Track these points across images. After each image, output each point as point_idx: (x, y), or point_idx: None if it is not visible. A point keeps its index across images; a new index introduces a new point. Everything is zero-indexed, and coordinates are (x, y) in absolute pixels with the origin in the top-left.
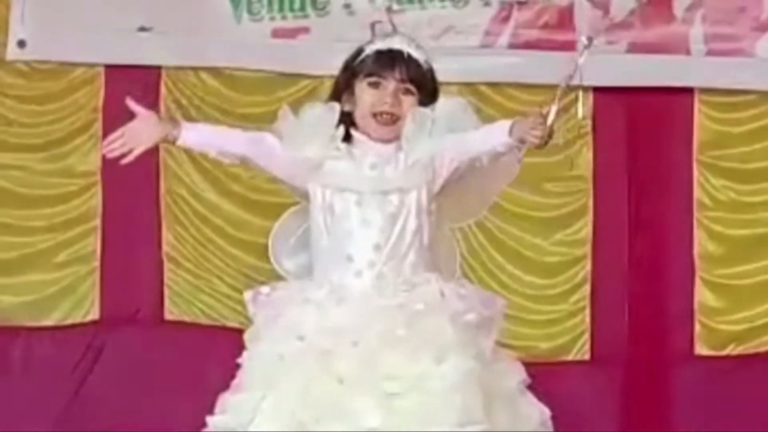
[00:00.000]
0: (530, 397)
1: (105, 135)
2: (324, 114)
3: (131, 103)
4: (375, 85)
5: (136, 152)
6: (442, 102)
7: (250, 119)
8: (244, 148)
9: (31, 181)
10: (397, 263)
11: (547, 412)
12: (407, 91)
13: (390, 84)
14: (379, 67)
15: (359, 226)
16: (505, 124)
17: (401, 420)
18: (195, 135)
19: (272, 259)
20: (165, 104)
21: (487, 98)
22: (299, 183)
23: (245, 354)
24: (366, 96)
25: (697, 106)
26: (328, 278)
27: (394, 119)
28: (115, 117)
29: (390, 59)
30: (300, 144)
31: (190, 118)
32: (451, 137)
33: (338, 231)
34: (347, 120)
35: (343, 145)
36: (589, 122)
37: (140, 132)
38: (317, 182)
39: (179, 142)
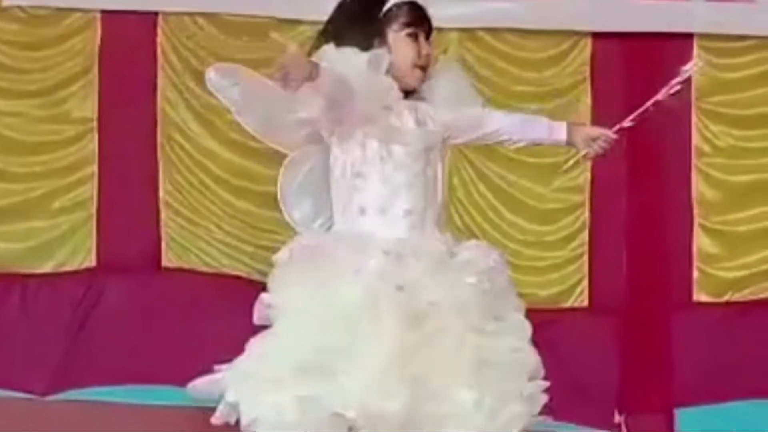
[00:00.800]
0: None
1: (101, 81)
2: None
3: None
4: (413, 36)
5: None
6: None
7: (248, 65)
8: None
9: (27, 128)
10: (427, 218)
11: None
12: (428, 39)
13: (422, 35)
14: (416, 18)
15: (398, 179)
16: (552, 123)
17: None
18: None
19: (283, 209)
20: (162, 50)
21: (487, 44)
22: (347, 128)
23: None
24: (406, 48)
25: (696, 51)
26: (360, 229)
27: (426, 69)
28: (112, 63)
29: (422, 12)
30: (376, 93)
31: (187, 64)
32: (495, 116)
33: (378, 183)
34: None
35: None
36: (588, 68)
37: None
38: (370, 133)
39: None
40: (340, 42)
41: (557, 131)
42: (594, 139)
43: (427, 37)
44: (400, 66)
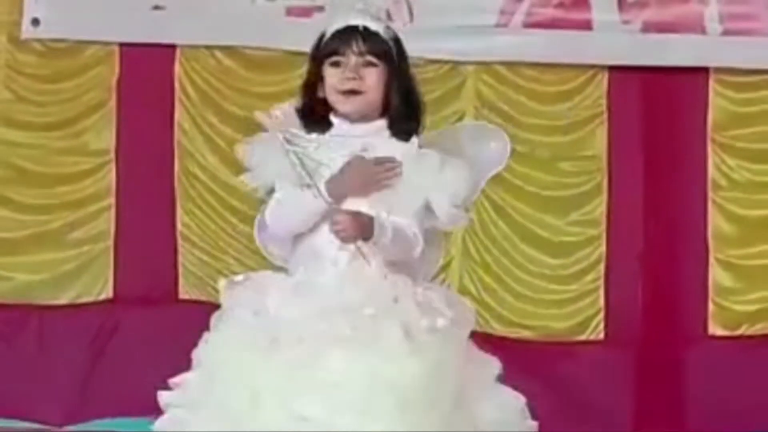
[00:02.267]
0: (506, 388)
1: (119, 113)
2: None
3: None
4: (336, 64)
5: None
6: (448, 174)
7: (264, 98)
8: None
9: (45, 160)
10: (360, 263)
11: (522, 399)
12: (369, 64)
13: (350, 60)
14: (337, 45)
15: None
16: None
17: (339, 414)
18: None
19: (258, 241)
20: (179, 82)
21: (503, 78)
22: None
23: (206, 335)
24: (330, 77)
25: (711, 85)
26: (298, 270)
27: (357, 94)
28: (130, 95)
29: (347, 36)
30: (286, 178)
31: (204, 97)
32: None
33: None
34: (325, 108)
35: (315, 136)
36: (605, 101)
37: None
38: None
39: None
40: (310, 88)
41: None
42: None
43: (375, 59)
44: (330, 97)
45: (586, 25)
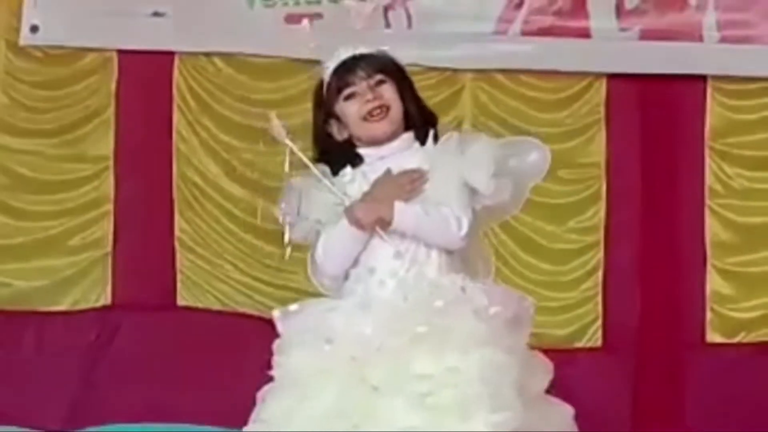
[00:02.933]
0: (554, 399)
1: (118, 120)
2: (307, 182)
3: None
4: (351, 96)
5: None
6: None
7: (263, 105)
8: None
9: (44, 166)
10: (419, 268)
11: (571, 411)
12: (380, 82)
13: (362, 85)
14: (344, 79)
15: (379, 238)
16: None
17: (437, 418)
18: None
19: (312, 276)
20: (178, 89)
21: (501, 85)
22: None
23: (275, 364)
24: (349, 110)
25: (709, 93)
26: (354, 291)
27: (384, 110)
28: (128, 102)
29: (347, 67)
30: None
31: (203, 104)
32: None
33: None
34: (349, 147)
35: (349, 170)
36: (603, 109)
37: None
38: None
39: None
40: (322, 135)
41: None
42: None
43: (384, 75)
44: (354, 130)
45: (585, 33)
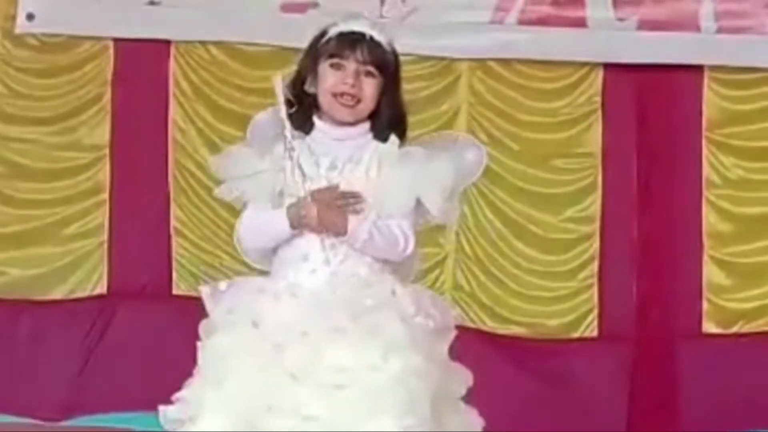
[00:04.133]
0: (469, 408)
1: (114, 108)
2: (245, 150)
3: None
4: (337, 66)
5: None
6: (435, 166)
7: (259, 93)
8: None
9: (40, 155)
10: (352, 263)
11: (482, 422)
12: (369, 74)
13: (351, 65)
14: (341, 48)
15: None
16: None
17: (345, 412)
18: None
19: (239, 245)
20: (174, 78)
21: (498, 74)
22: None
23: (199, 345)
24: (328, 77)
25: (706, 83)
26: (285, 274)
27: (355, 101)
28: (124, 90)
29: (352, 41)
30: (260, 195)
31: (199, 92)
32: (397, 215)
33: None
34: (311, 103)
35: (297, 143)
36: (599, 99)
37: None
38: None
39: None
40: (300, 79)
41: None
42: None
43: (376, 70)
44: (320, 95)
45: (581, 23)
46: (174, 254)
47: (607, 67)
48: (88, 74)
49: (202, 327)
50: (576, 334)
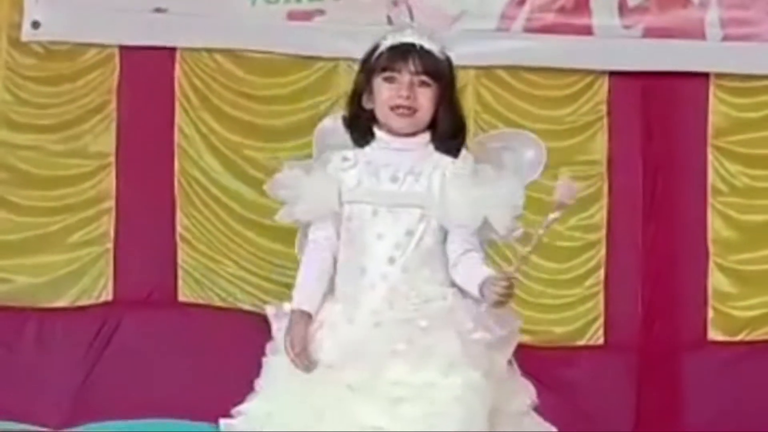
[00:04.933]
0: (537, 418)
1: (119, 116)
2: (300, 169)
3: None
4: (390, 80)
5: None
6: (503, 184)
7: (265, 102)
8: (330, 261)
9: (45, 162)
10: (411, 276)
11: (553, 430)
12: (423, 84)
13: (404, 77)
14: (393, 61)
15: (374, 238)
16: (479, 278)
17: (405, 424)
18: (316, 300)
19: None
20: (180, 86)
21: (504, 82)
22: None
23: (264, 363)
24: (383, 91)
25: (712, 90)
26: (344, 291)
27: (411, 111)
28: (130, 98)
29: (403, 53)
30: (318, 212)
31: (205, 100)
32: (462, 238)
33: (354, 242)
34: (370, 118)
35: (352, 153)
36: (605, 107)
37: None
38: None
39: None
40: (356, 97)
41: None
42: (498, 293)
43: (430, 79)
44: (377, 110)
45: (587, 31)
46: (179, 261)
47: (613, 74)
48: (93, 82)
49: (269, 346)
50: (582, 342)
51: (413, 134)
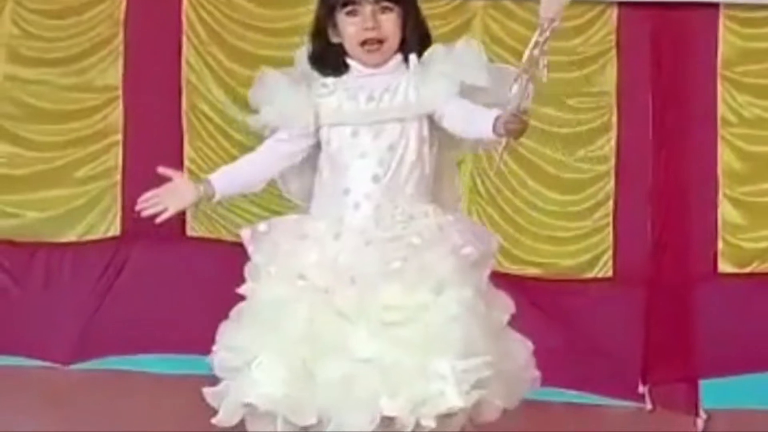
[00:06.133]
0: (515, 333)
1: (126, 49)
2: (283, 77)
3: (162, 169)
4: (353, 13)
5: (169, 213)
6: (458, 49)
7: (272, 34)
8: (270, 171)
9: (52, 96)
10: (395, 194)
11: (531, 346)
12: (385, 9)
13: (366, 8)
14: None
15: (356, 158)
16: (489, 116)
17: (401, 349)
18: (227, 184)
19: (279, 180)
20: (187, 19)
21: (512, 13)
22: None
23: (246, 290)
24: (347, 27)
25: (722, 21)
26: (326, 211)
27: (380, 43)
28: (137, 31)
29: None
30: (289, 119)
31: (212, 32)
32: (456, 104)
33: (335, 164)
34: (340, 52)
35: (331, 80)
36: (614, 37)
37: (174, 194)
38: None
39: (217, 198)
40: (319, 33)
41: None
42: (506, 122)
43: (390, 2)
44: (348, 46)
45: None
46: None
47: (622, 5)
48: (100, 15)
49: (247, 271)
50: (591, 275)
51: (386, 62)
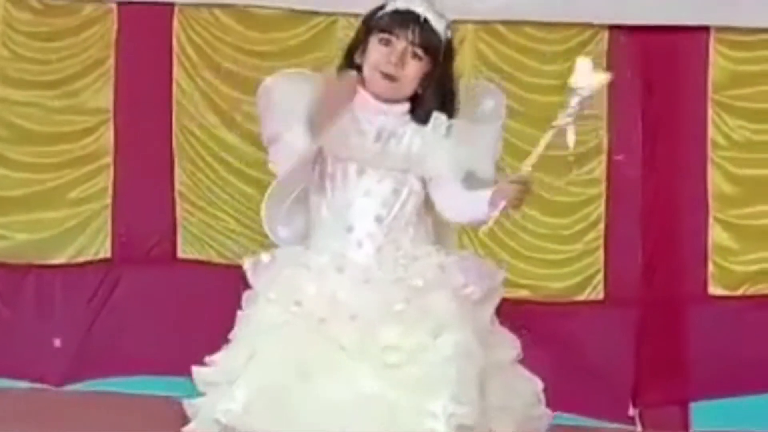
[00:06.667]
0: (523, 370)
1: (117, 72)
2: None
3: None
4: (386, 42)
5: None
6: (479, 130)
7: (262, 56)
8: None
9: (43, 118)
10: (397, 236)
11: (539, 384)
12: (415, 55)
13: (400, 44)
14: (393, 25)
15: (360, 197)
16: (483, 201)
17: (400, 390)
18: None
19: (266, 227)
20: (178, 41)
21: (503, 36)
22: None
23: (240, 314)
24: (374, 52)
25: (712, 44)
26: (328, 246)
27: (394, 82)
28: (128, 54)
29: (404, 19)
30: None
31: (203, 55)
32: (452, 188)
33: (339, 200)
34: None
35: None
36: (605, 60)
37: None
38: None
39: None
40: (351, 51)
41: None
42: (517, 198)
43: (423, 53)
44: (368, 72)
45: None
46: (178, 218)
47: (613, 28)
48: (91, 37)
49: (245, 298)
50: (582, 297)
51: (394, 101)
